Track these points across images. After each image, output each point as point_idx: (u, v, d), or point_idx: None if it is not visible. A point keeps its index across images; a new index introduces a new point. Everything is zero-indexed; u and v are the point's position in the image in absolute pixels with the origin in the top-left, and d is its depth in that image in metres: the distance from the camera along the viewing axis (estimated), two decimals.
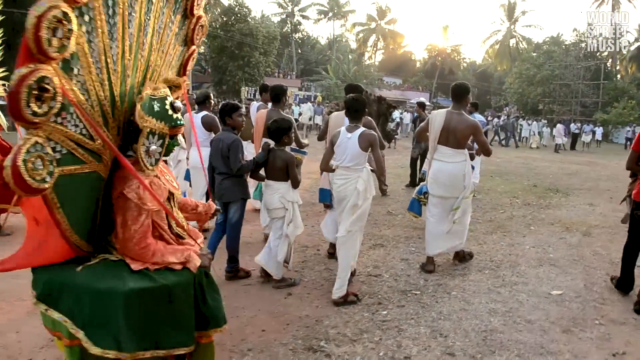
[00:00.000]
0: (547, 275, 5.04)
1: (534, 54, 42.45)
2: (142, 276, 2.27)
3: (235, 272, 4.68)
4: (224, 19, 37.58)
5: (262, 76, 38.97)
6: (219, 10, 39.08)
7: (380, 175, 4.72)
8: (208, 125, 5.80)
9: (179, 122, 2.41)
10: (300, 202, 4.51)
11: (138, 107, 2.25)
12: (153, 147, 2.33)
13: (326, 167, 4.43)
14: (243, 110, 4.76)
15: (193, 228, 2.76)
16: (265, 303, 4.17)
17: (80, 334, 2.16)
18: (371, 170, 4.93)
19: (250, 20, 37.06)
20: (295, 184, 4.40)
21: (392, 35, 56.28)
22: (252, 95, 31.08)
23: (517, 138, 26.18)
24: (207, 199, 6.74)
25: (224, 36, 36.78)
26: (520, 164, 16.05)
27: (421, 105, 10.70)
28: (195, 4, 2.65)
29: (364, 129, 4.24)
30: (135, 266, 2.30)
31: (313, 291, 4.47)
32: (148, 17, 2.37)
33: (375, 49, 57.39)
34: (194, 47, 2.81)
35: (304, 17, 55.50)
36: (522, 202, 9.07)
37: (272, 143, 4.53)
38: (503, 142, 25.38)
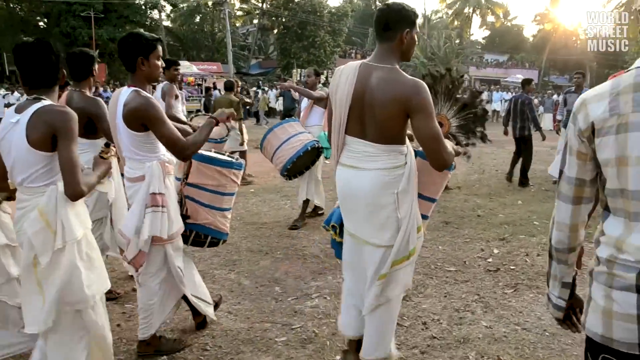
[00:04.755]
0: None
1: None
2: None
3: None
4: None
5: (329, 57, 35.87)
6: None
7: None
8: None
9: None
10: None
11: None
12: None
13: None
14: None
15: None
16: None
17: None
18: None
19: None
20: None
21: (489, 5, 49.48)
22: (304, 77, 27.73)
23: None
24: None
25: (286, 15, 34.18)
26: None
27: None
28: None
29: (47, 102, 2.06)
30: None
31: None
32: None
33: (469, 22, 50.92)
34: None
35: None
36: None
37: None
38: None
